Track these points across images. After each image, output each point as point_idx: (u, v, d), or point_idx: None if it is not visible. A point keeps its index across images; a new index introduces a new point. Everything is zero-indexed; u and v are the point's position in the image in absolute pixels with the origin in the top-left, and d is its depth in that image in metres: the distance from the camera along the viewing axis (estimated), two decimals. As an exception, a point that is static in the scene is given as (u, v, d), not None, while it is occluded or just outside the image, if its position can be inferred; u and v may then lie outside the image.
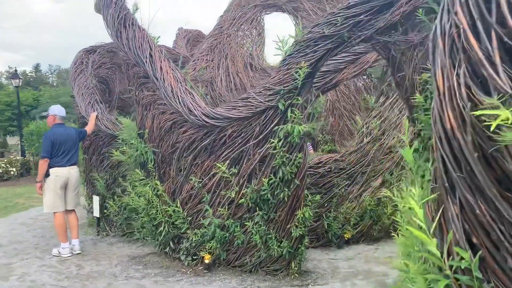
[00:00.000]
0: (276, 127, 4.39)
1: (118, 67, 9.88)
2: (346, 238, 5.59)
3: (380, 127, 5.84)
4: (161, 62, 4.96)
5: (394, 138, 5.86)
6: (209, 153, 4.81)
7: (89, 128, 6.23)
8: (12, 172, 15.63)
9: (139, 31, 5.14)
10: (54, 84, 76.23)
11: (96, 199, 6.63)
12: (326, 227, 5.51)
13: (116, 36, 5.25)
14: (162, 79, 4.84)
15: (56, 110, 5.86)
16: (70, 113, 20.83)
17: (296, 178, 4.43)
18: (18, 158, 17.24)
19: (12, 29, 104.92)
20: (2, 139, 37.77)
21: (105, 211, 6.49)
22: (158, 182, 5.08)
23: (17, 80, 18.49)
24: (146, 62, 4.93)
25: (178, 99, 4.73)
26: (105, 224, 6.77)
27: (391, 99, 5.96)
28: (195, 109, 4.65)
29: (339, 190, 5.57)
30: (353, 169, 5.66)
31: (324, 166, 5.59)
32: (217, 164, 4.65)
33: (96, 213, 6.63)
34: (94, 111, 6.72)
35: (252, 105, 4.48)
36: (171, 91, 4.78)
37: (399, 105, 5.97)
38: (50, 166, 5.58)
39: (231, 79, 9.34)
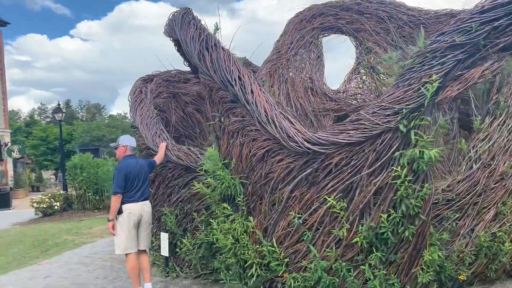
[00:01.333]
0: (397, 153, 3.77)
1: (173, 97, 9.56)
2: (461, 280, 4.82)
3: (489, 151, 5.14)
4: (251, 85, 4.45)
5: (505, 163, 5.14)
6: (310, 185, 4.21)
7: (158, 159, 5.75)
8: (55, 207, 15.38)
9: (224, 53, 4.67)
10: (84, 118, 78.00)
11: (164, 236, 6.07)
12: (438, 268, 4.76)
13: (199, 59, 4.79)
14: (254, 103, 4.32)
15: (127, 141, 5.42)
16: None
17: (422, 212, 3.77)
18: (61, 192, 17.04)
19: (43, 68, 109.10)
20: (37, 174, 38.30)
21: (177, 249, 5.91)
22: (251, 218, 4.48)
23: (60, 114, 18.55)
24: (235, 85, 4.43)
25: (275, 124, 4.19)
26: (174, 264, 6.18)
27: (499, 120, 5.28)
28: (295, 135, 4.08)
29: (449, 224, 4.85)
30: (463, 200, 4.94)
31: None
32: (325, 197, 4.04)
33: (165, 252, 6.06)
34: (162, 141, 6.26)
35: (365, 128, 3.88)
36: (266, 116, 4.24)
37: (508, 127, 5.28)
38: (122, 202, 5.10)
39: (292, 104, 8.83)
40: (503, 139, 5.22)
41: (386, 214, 3.82)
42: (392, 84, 3.99)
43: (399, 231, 3.81)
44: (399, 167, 3.74)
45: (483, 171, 5.09)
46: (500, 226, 5.06)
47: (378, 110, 3.89)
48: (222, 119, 4.74)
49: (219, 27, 5.06)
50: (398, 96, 3.80)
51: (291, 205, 4.30)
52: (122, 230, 5.05)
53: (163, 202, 6.37)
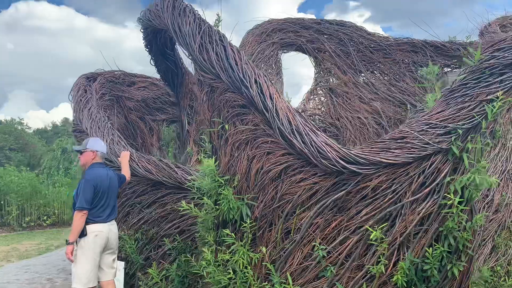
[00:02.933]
0: (448, 178, 3.32)
1: (116, 100, 8.43)
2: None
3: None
4: (269, 88, 3.76)
5: (501, 194, 5.01)
6: (338, 211, 3.58)
7: (126, 173, 4.71)
8: None
9: (234, 50, 3.93)
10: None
11: (120, 265, 4.98)
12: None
13: (200, 53, 3.98)
14: (274, 110, 3.62)
15: (98, 145, 4.35)
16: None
17: (470, 246, 3.34)
18: None
19: None
20: None
21: (139, 282, 4.86)
22: (263, 249, 3.70)
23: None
24: (250, 87, 3.70)
25: (302, 136, 3.53)
26: (132, 301, 5.10)
27: (496, 151, 5.17)
28: (327, 151, 3.45)
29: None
30: None
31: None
32: (360, 225, 3.44)
33: (121, 285, 4.97)
34: (123, 149, 5.23)
35: (413, 147, 3.39)
36: (290, 126, 3.57)
37: (502, 158, 5.19)
38: (86, 221, 4.02)
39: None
40: (499, 170, 5.10)
41: (431, 248, 3.33)
42: (439, 101, 3.57)
43: (444, 267, 3.33)
44: (450, 194, 3.28)
45: (482, 202, 4.89)
46: (496, 260, 4.88)
47: (426, 128, 3.42)
48: (226, 126, 3.95)
49: (221, 19, 4.31)
50: (450, 114, 3.38)
51: (311, 234, 3.63)
52: (85, 257, 3.96)
53: (121, 223, 5.28)
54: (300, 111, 9.03)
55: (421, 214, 3.38)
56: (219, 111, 4.03)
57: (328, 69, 9.32)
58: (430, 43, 8.60)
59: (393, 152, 3.41)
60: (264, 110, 3.67)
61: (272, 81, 8.66)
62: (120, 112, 8.31)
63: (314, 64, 9.50)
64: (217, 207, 3.93)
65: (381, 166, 3.44)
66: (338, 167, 3.43)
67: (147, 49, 5.64)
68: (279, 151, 3.71)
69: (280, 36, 9.35)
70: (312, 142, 3.49)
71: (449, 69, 8.42)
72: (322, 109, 9.13)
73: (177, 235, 4.79)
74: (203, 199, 4.07)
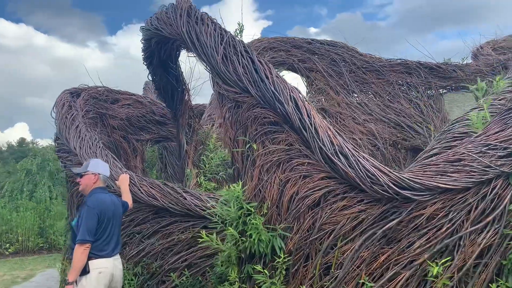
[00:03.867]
0: (511, 206, 3.00)
1: (100, 118, 7.84)
2: None
3: None
4: (306, 105, 3.36)
5: None
6: (386, 242, 3.18)
7: (129, 199, 4.12)
8: None
9: (260, 62, 3.53)
10: None
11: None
12: None
13: (224, 64, 3.55)
14: (314, 128, 3.22)
15: (101, 168, 3.76)
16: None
17: (537, 282, 3.00)
18: None
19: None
20: None
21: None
22: (301, 287, 3.22)
23: None
24: (287, 104, 3.29)
25: (347, 158, 3.13)
26: None
27: None
28: (378, 175, 3.07)
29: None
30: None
31: None
32: (413, 259, 3.04)
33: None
34: (121, 172, 4.67)
35: (472, 171, 3.05)
36: (332, 147, 3.17)
37: None
38: (88, 256, 3.42)
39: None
40: None
41: (495, 284, 2.97)
42: (495, 120, 3.28)
43: (510, 306, 2.98)
44: (518, 224, 2.96)
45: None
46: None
47: (485, 149, 3.11)
48: (254, 146, 3.50)
49: (243, 28, 3.92)
50: (511, 135, 3.08)
51: (356, 269, 3.20)
52: (87, 300, 3.34)
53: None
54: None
55: (481, 245, 3.03)
56: (245, 128, 3.58)
57: (321, 89, 9.07)
58: (425, 64, 8.52)
59: (451, 176, 3.06)
60: (301, 128, 3.26)
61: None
62: (103, 131, 7.70)
63: (306, 84, 9.25)
64: (243, 238, 3.44)
65: (437, 192, 3.08)
66: (390, 193, 3.05)
67: (145, 63, 5.14)
68: (317, 174, 3.29)
69: (271, 54, 9.06)
70: (359, 164, 3.10)
71: (444, 91, 8.35)
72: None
73: (185, 269, 4.24)
74: (225, 229, 3.57)
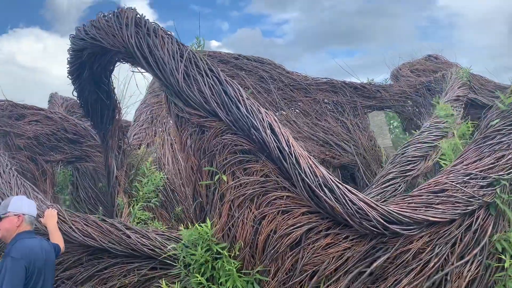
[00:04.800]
0: (495, 236, 2.95)
1: (3, 137, 6.81)
2: None
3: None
4: (281, 130, 3.03)
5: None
6: (372, 281, 2.95)
7: (60, 241, 3.39)
8: None
9: (228, 83, 3.14)
10: None
11: None
12: None
13: (187, 84, 3.08)
14: (294, 157, 2.90)
15: (25, 206, 3.05)
16: None
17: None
18: None
19: None
20: None
21: None
22: None
23: None
24: (262, 128, 2.93)
25: (333, 191, 2.86)
26: None
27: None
28: (366, 210, 2.83)
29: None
30: None
31: None
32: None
33: None
34: (44, 207, 3.89)
35: (457, 202, 2.96)
36: (315, 178, 2.87)
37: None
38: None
39: (178, 160, 7.24)
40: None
41: (483, 318, 2.89)
42: (472, 149, 3.23)
43: None
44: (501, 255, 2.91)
45: None
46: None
47: (467, 179, 3.04)
48: (224, 177, 3.06)
49: (202, 42, 3.48)
50: (490, 164, 3.05)
51: (341, 312, 2.91)
52: None
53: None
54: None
55: (467, 278, 2.93)
56: (211, 157, 3.13)
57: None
58: (349, 84, 8.72)
59: (438, 208, 2.93)
60: (280, 158, 2.92)
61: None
62: (6, 152, 6.62)
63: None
64: (212, 286, 2.97)
65: (424, 226, 2.93)
66: (380, 229, 2.82)
67: (71, 76, 4.41)
68: (298, 209, 2.96)
69: (197, 69, 8.63)
70: (346, 198, 2.84)
71: (369, 110, 8.60)
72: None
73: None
74: (188, 275, 3.06)
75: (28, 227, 3.03)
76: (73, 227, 3.74)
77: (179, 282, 3.04)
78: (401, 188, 4.24)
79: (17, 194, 4.06)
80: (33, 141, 7.06)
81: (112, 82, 4.60)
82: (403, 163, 4.37)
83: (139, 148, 6.31)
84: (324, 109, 8.78)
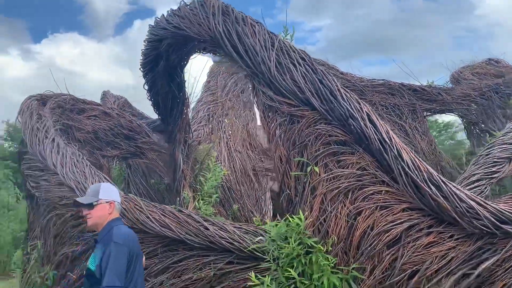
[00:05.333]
0: None
1: (65, 131, 6.88)
2: None
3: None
4: (380, 122, 2.88)
5: None
6: (477, 285, 2.74)
7: None
8: None
9: (323, 73, 3.01)
10: None
11: None
12: None
13: (279, 72, 2.98)
14: (396, 149, 2.73)
15: (114, 193, 2.99)
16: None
17: None
18: None
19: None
20: None
21: None
22: None
23: None
24: (361, 119, 2.78)
25: (440, 189, 2.67)
26: None
27: None
28: (477, 208, 2.64)
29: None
30: None
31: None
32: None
33: None
34: (123, 197, 3.87)
35: None
36: (421, 173, 2.70)
37: None
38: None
39: (233, 157, 7.17)
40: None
41: None
42: None
43: None
44: None
45: None
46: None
47: None
48: (316, 169, 2.93)
49: (291, 32, 3.37)
50: None
51: (443, 316, 2.72)
52: None
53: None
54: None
55: None
56: (302, 148, 3.01)
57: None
58: (408, 86, 8.42)
59: (553, 209, 2.70)
60: (381, 150, 2.76)
61: (248, 117, 7.78)
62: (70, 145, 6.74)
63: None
64: (304, 281, 2.83)
65: (537, 227, 2.70)
66: (491, 228, 2.62)
67: (144, 68, 4.40)
68: (398, 205, 2.80)
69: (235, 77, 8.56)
70: (454, 195, 2.65)
71: (429, 113, 8.29)
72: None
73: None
74: (277, 268, 2.94)
75: (117, 214, 2.99)
76: (150, 217, 3.69)
77: (268, 276, 2.92)
78: (486, 190, 3.99)
79: (92, 184, 4.06)
80: (91, 136, 7.15)
81: (184, 75, 4.56)
82: (488, 164, 4.13)
83: (198, 145, 6.28)
84: (380, 111, 8.50)
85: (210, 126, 7.17)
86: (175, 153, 4.98)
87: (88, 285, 2.69)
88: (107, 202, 2.88)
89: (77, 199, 2.79)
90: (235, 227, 3.69)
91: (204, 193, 5.06)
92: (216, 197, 5.38)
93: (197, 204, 4.93)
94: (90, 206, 2.76)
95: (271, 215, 7.22)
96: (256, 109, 8.36)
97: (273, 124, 3.11)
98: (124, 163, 8.00)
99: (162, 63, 4.23)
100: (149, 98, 4.87)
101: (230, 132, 7.37)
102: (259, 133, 7.99)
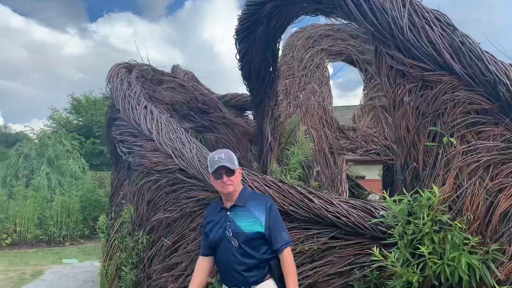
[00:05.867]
0: None
1: (148, 99, 6.93)
2: None
3: None
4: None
5: None
6: None
7: None
8: None
9: (464, 35, 2.71)
10: None
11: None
12: None
13: (413, 32, 2.72)
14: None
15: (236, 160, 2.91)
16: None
17: None
18: None
19: None
20: None
21: None
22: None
23: None
24: (512, 84, 2.48)
25: None
26: None
27: None
28: None
29: None
30: None
31: None
32: None
33: None
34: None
35: None
36: None
37: None
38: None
39: (310, 134, 6.96)
40: None
41: None
42: None
43: None
44: None
45: None
46: None
47: None
48: (452, 141, 2.67)
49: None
50: None
51: None
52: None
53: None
54: (350, 129, 7.92)
55: None
56: (435, 117, 2.76)
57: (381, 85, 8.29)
58: None
59: None
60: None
61: (324, 93, 7.51)
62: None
63: (363, 78, 8.48)
64: (435, 259, 2.61)
65: None
66: None
67: (238, 35, 4.24)
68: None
69: (329, 42, 8.27)
70: None
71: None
72: (376, 129, 8.05)
73: (309, 289, 3.39)
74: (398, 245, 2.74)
75: None
76: (252, 186, 3.58)
77: (394, 252, 2.73)
78: None
79: (190, 151, 4.00)
80: (169, 107, 7.18)
81: (280, 42, 4.37)
82: None
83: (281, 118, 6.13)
84: None
85: (287, 101, 6.99)
86: (263, 124, 4.84)
87: (254, 247, 2.51)
88: (240, 169, 2.82)
89: (225, 164, 2.58)
90: (341, 201, 3.52)
91: (292, 167, 4.91)
92: (298, 173, 5.23)
93: (284, 177, 4.80)
94: (233, 172, 2.61)
95: (347, 195, 7.01)
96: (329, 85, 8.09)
97: (401, 90, 2.87)
98: (197, 136, 8.02)
99: (261, 28, 4.06)
100: (239, 67, 4.72)
101: (305, 108, 7.15)
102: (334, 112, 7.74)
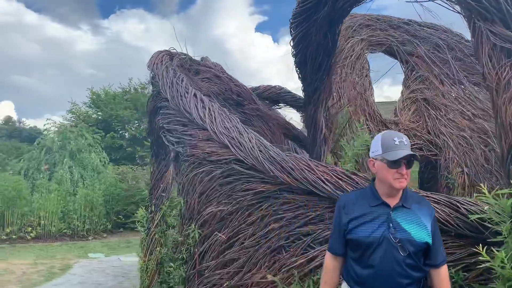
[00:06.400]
0: None
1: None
2: None
3: None
4: None
5: None
6: None
7: None
8: None
9: None
10: None
11: None
12: None
13: None
14: None
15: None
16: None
17: None
18: None
19: None
20: None
21: None
22: None
23: None
24: None
25: None
26: None
27: None
28: None
29: None
30: None
31: None
32: None
33: None
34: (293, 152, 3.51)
35: None
36: None
37: None
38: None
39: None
40: None
41: None
42: None
43: None
44: None
45: None
46: None
47: None
48: None
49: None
50: None
51: None
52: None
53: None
54: (392, 123, 7.59)
55: None
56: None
57: (422, 77, 7.96)
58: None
59: None
60: None
61: (365, 85, 7.20)
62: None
63: (404, 70, 8.13)
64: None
65: None
66: None
67: (295, 19, 3.95)
68: None
69: (368, 32, 7.94)
70: None
71: None
72: (417, 123, 7.70)
73: None
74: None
75: None
76: (322, 178, 3.30)
77: (503, 252, 2.43)
78: None
79: (250, 140, 3.74)
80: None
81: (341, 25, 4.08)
82: None
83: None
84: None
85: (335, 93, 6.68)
86: (317, 114, 4.56)
87: (409, 263, 2.05)
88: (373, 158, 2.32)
89: (411, 152, 2.09)
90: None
91: (348, 160, 4.62)
92: (351, 166, 4.93)
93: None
94: (412, 164, 2.13)
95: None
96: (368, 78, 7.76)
97: (506, 72, 2.57)
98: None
99: (325, 10, 3.77)
100: (293, 54, 4.44)
101: (347, 99, 6.84)
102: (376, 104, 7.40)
